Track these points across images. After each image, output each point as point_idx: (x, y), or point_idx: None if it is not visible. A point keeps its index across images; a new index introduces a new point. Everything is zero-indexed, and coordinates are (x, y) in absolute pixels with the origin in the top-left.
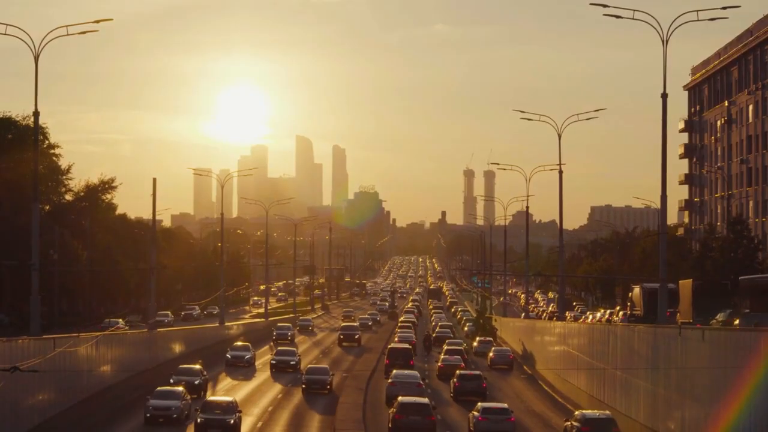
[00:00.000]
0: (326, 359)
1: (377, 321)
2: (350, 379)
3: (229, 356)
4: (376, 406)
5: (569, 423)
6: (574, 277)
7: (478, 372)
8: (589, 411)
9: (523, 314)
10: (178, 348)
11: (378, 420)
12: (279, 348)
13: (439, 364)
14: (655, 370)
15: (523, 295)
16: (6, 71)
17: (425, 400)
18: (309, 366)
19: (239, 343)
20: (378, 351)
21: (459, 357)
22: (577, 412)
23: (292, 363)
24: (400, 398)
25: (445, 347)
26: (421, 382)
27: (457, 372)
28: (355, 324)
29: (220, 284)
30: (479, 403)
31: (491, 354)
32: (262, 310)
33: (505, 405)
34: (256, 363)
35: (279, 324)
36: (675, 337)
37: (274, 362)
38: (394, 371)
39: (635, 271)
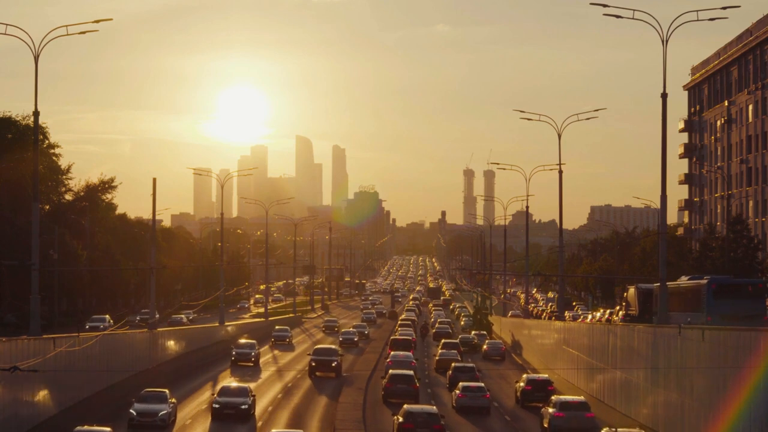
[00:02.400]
0: (287, 404)
1: (365, 335)
2: (350, 379)
3: (133, 412)
4: (376, 406)
5: (519, 384)
6: (574, 276)
7: (471, 364)
8: (532, 375)
9: (510, 313)
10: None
11: (378, 420)
12: (224, 384)
13: (437, 357)
14: (654, 370)
15: (522, 295)
16: (6, 71)
17: (411, 372)
18: None
19: (152, 390)
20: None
21: (455, 351)
22: (524, 375)
23: (243, 407)
24: (390, 371)
25: (444, 341)
26: (414, 361)
27: (453, 364)
28: (332, 347)
29: (219, 284)
30: (460, 383)
31: (485, 346)
32: (251, 313)
33: (482, 384)
34: (196, 402)
35: (240, 341)
36: (675, 337)
37: (216, 407)
38: (392, 352)
39: (635, 270)
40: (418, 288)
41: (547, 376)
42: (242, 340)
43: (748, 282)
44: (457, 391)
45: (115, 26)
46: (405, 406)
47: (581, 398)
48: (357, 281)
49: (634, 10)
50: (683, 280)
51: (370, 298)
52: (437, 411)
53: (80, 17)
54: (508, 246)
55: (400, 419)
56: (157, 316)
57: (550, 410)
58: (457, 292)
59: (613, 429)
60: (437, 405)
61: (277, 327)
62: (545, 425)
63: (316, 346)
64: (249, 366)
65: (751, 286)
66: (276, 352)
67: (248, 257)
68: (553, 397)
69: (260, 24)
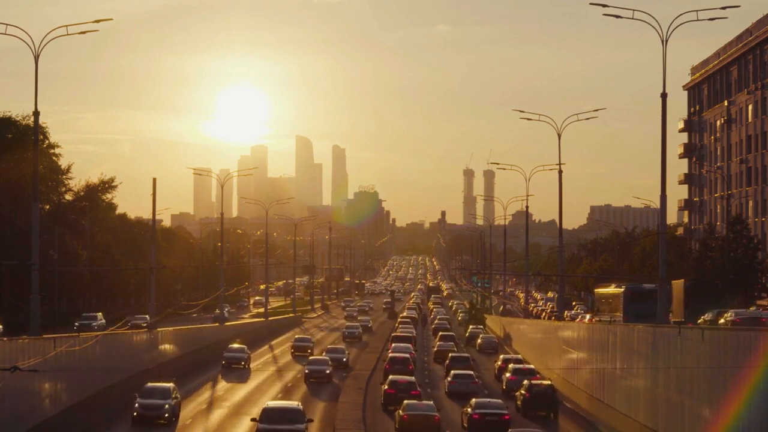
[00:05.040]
0: None
1: (343, 363)
2: (350, 379)
3: None
4: (376, 406)
5: (497, 363)
6: (574, 276)
7: (467, 354)
8: (507, 355)
9: (502, 307)
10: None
11: (377, 419)
12: None
13: (435, 348)
14: (654, 370)
15: (522, 295)
16: (6, 71)
17: (407, 355)
18: None
19: None
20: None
21: (452, 343)
22: (501, 355)
23: None
24: (390, 354)
25: (441, 334)
26: (413, 352)
27: (450, 354)
28: (293, 405)
29: (219, 284)
30: (452, 371)
31: (479, 340)
32: (250, 313)
33: (471, 372)
34: None
35: (149, 385)
36: (675, 337)
37: None
38: (394, 344)
39: (635, 270)
40: (419, 287)
41: (520, 356)
42: (151, 384)
43: (654, 289)
44: (449, 378)
45: (115, 26)
46: (390, 376)
47: (531, 366)
48: (357, 281)
49: (633, 10)
50: (611, 288)
51: (353, 304)
52: (415, 380)
53: (80, 17)
54: (508, 246)
55: (386, 387)
56: (102, 321)
57: (508, 375)
58: (456, 292)
59: (528, 382)
60: (433, 391)
61: (231, 346)
62: (504, 387)
63: (266, 405)
64: (160, 425)
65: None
66: (222, 385)
67: (248, 257)
68: (510, 365)
69: (260, 24)
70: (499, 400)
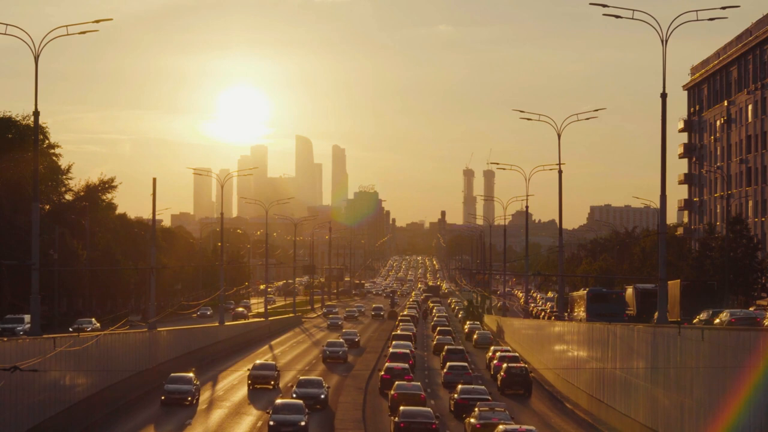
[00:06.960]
0: None
1: (321, 399)
2: (350, 378)
3: None
4: (376, 406)
5: (488, 354)
6: (574, 276)
7: (461, 347)
8: (497, 347)
9: (498, 304)
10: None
11: (377, 419)
12: None
13: (434, 342)
14: (654, 370)
15: (522, 294)
16: (6, 71)
17: (407, 351)
18: None
19: None
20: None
21: (450, 337)
22: (491, 347)
23: None
24: (390, 350)
25: (439, 329)
26: (413, 349)
27: (446, 347)
28: None
29: (219, 284)
30: (447, 363)
31: (475, 336)
32: (251, 313)
33: (465, 364)
34: None
35: None
36: (675, 337)
37: None
38: (394, 342)
39: (635, 270)
40: (419, 286)
41: (509, 348)
42: None
43: (612, 292)
44: (445, 370)
45: (115, 26)
46: (386, 363)
47: (515, 354)
48: (357, 281)
49: (633, 10)
50: (579, 291)
51: (336, 311)
52: (408, 367)
53: (80, 17)
54: (508, 246)
55: (382, 373)
56: (28, 324)
57: (495, 362)
58: (456, 291)
59: (506, 365)
60: (431, 382)
61: (172, 375)
62: (492, 372)
63: None
64: None
65: (614, 294)
66: None
67: (248, 257)
68: (497, 353)
69: (260, 24)
70: (483, 387)
